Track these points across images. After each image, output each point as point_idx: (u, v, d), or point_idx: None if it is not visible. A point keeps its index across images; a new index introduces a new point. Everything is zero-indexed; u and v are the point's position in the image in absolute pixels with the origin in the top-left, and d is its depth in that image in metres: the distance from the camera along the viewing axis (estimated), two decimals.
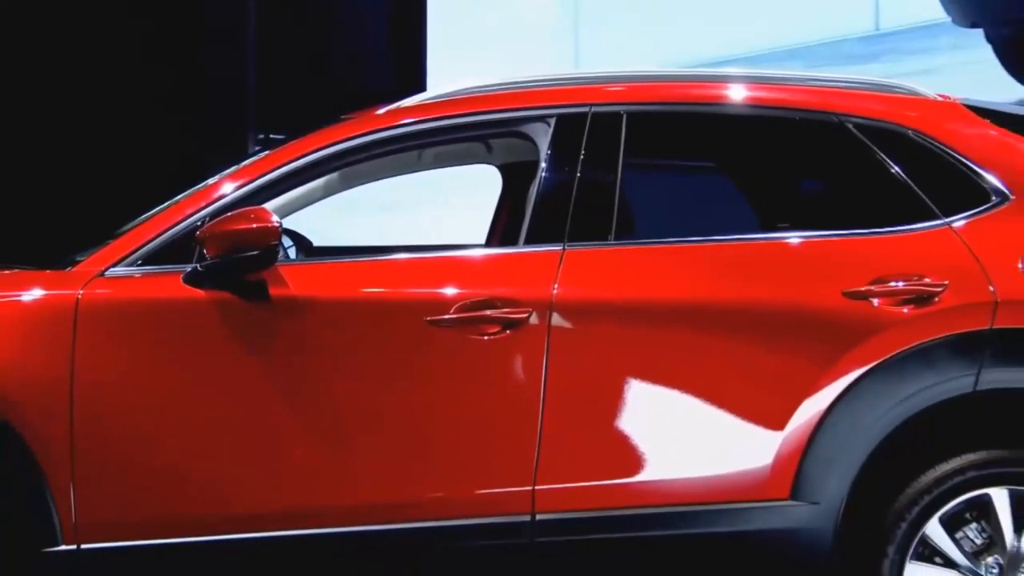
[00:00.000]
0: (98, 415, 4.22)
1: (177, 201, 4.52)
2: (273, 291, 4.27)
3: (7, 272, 4.51)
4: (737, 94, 4.61)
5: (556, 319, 4.27)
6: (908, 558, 4.31)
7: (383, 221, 7.58)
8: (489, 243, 5.15)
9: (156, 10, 8.30)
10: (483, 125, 4.62)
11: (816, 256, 4.38)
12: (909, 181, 4.45)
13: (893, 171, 4.47)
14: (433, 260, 4.46)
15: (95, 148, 8.13)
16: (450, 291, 4.30)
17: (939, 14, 9.67)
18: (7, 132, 8.11)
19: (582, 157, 4.45)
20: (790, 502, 4.28)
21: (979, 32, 9.60)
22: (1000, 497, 4.30)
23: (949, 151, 4.48)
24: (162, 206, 4.56)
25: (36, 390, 4.20)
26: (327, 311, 4.29)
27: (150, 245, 4.37)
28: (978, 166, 4.46)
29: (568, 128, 4.48)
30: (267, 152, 4.60)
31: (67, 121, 8.14)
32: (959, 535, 4.32)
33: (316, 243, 5.28)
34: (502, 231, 5.14)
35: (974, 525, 4.33)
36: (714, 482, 4.28)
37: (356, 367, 4.27)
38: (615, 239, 4.38)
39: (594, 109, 4.51)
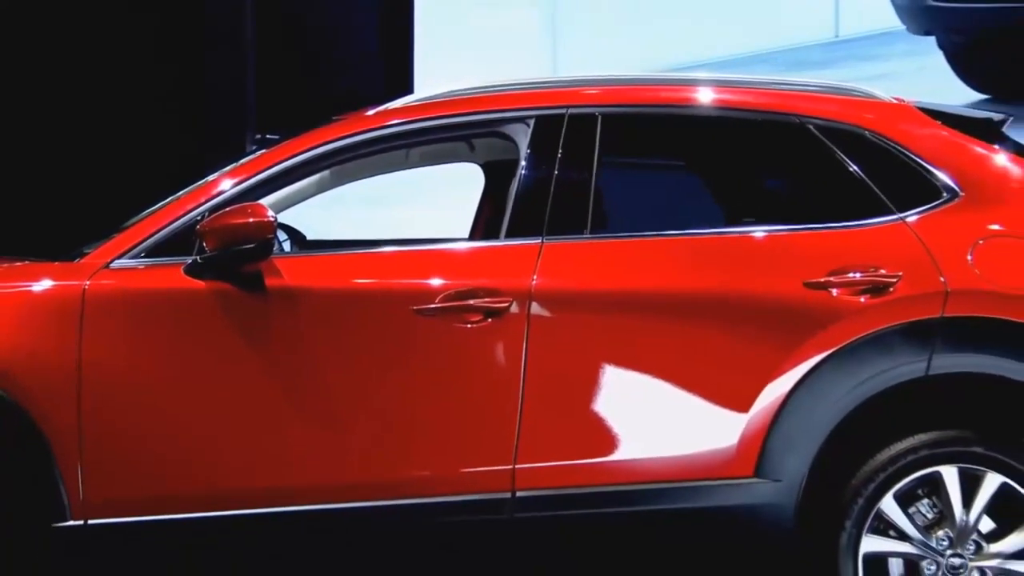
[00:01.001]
0: (104, 398, 4.22)
1: (178, 197, 4.52)
2: (269, 282, 4.28)
3: (19, 264, 4.51)
4: (705, 97, 4.63)
5: (535, 308, 4.28)
6: (864, 532, 4.32)
7: (374, 217, 7.58)
8: (472, 237, 5.16)
9: (156, 12, 8.26)
10: (467, 126, 4.63)
11: (779, 249, 4.40)
12: (866, 178, 4.46)
13: (851, 169, 4.48)
14: (419, 253, 4.47)
15: (99, 147, 8.09)
16: (435, 282, 4.31)
17: (895, 23, 9.69)
18: (15, 133, 8.07)
19: (559, 156, 4.46)
20: (754, 480, 4.30)
21: (932, 40, 9.62)
22: (950, 475, 4.32)
23: (903, 150, 4.50)
24: (164, 202, 4.56)
25: (46, 375, 4.21)
26: (319, 301, 4.30)
27: (153, 238, 4.38)
28: (930, 164, 4.48)
29: (546, 129, 4.50)
30: (263, 151, 4.61)
31: (71, 121, 8.10)
32: (912, 510, 4.34)
33: (309, 237, 5.28)
34: (484, 225, 5.15)
35: (926, 501, 4.35)
36: (683, 461, 4.29)
37: (346, 353, 4.28)
38: (590, 233, 4.40)
39: (571, 111, 4.52)
